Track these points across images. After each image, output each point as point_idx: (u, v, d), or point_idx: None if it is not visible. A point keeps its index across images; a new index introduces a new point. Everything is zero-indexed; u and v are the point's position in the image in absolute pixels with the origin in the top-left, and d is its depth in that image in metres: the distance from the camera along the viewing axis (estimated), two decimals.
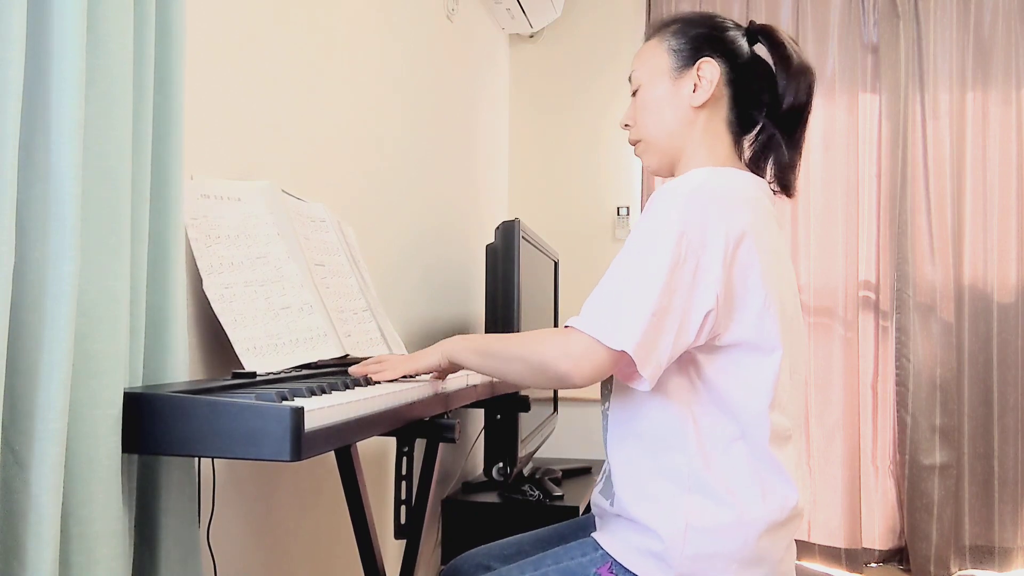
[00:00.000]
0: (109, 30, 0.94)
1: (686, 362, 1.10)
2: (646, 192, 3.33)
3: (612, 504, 1.17)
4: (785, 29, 3.39)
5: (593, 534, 1.20)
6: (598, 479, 1.26)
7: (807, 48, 3.24)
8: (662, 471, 1.12)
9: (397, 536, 1.75)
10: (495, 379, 1.52)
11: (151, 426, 0.91)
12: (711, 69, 1.21)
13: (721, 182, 1.13)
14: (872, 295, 3.21)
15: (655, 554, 1.10)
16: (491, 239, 2.12)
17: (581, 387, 1.11)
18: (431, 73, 2.52)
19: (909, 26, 3.15)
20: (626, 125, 1.31)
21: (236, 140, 1.45)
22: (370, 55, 2.04)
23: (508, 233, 2.08)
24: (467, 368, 1.22)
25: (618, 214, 3.37)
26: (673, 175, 1.28)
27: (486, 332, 2.10)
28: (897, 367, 3.15)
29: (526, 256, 2.18)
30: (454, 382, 1.39)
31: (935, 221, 3.12)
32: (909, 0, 3.15)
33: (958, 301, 3.10)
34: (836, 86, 3.21)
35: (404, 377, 1.25)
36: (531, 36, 3.49)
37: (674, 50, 1.24)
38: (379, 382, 1.21)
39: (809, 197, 3.23)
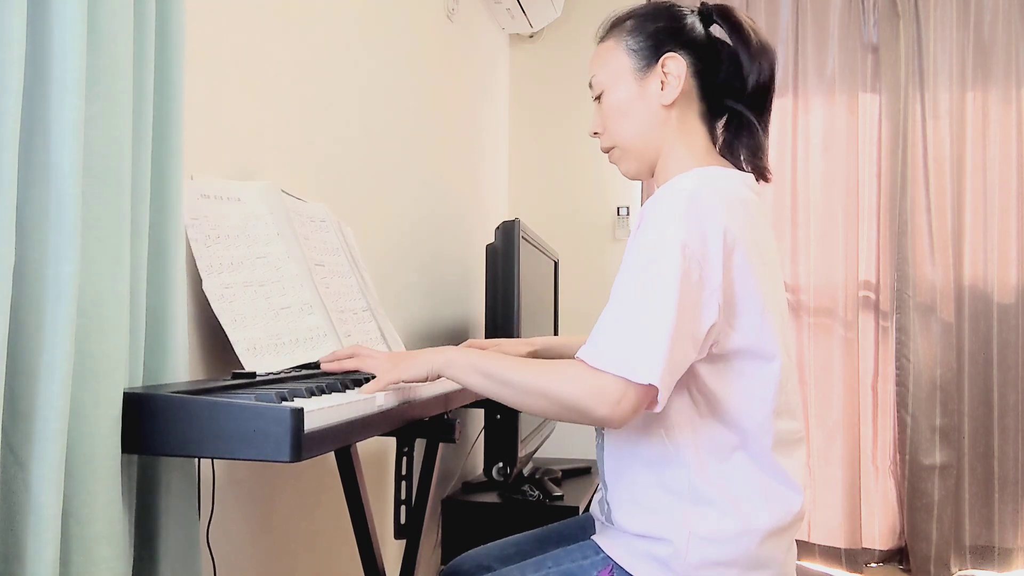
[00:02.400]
0: (109, 30, 0.94)
1: (686, 374, 1.07)
2: (646, 192, 3.33)
3: (609, 521, 1.16)
4: (785, 30, 3.39)
5: (594, 537, 1.19)
6: (599, 485, 1.24)
7: (807, 48, 3.24)
8: (661, 484, 1.10)
9: (397, 536, 1.75)
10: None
11: (151, 426, 0.91)
12: (676, 64, 1.17)
13: (712, 184, 1.10)
14: (872, 295, 3.20)
15: (658, 560, 1.09)
16: (491, 239, 2.12)
17: (618, 427, 1.09)
18: (431, 73, 2.52)
19: (909, 26, 3.15)
20: (595, 133, 1.27)
21: (236, 140, 1.45)
22: (370, 55, 2.04)
23: (508, 233, 2.08)
24: (463, 385, 1.13)
25: (618, 214, 3.37)
26: (653, 177, 1.25)
27: (487, 333, 2.09)
28: (897, 367, 3.14)
29: (526, 256, 2.17)
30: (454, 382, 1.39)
31: (935, 221, 3.12)
32: (909, 0, 3.15)
33: (958, 301, 3.10)
34: (836, 86, 3.21)
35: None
36: (531, 36, 3.49)
37: (633, 50, 1.20)
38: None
39: (809, 197, 3.23)
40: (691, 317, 1.01)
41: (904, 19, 3.15)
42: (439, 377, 1.13)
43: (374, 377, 1.13)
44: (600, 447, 1.20)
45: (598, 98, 1.25)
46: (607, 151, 1.27)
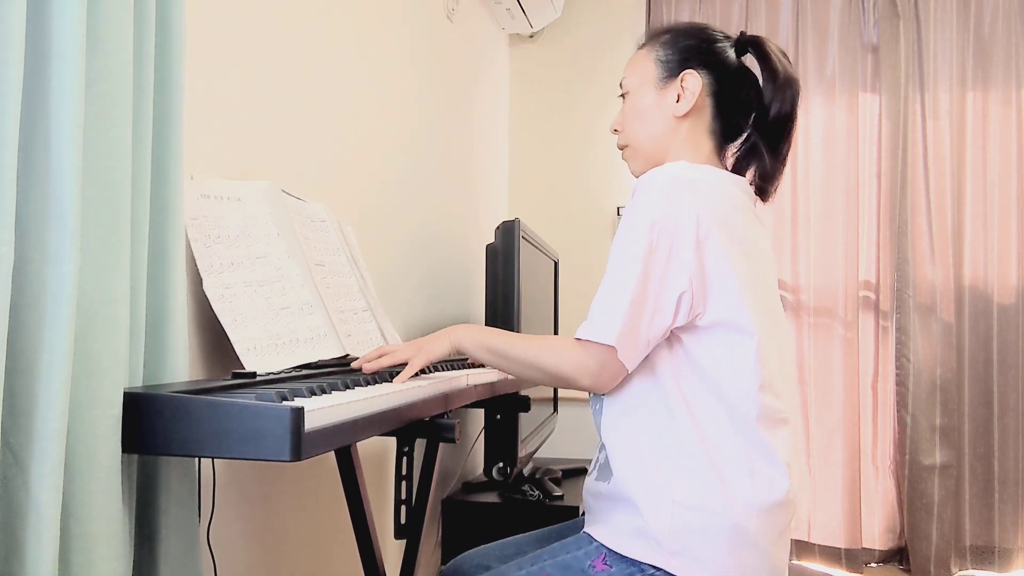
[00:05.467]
0: (109, 30, 0.94)
1: (673, 342, 1.16)
2: None
3: (610, 483, 1.19)
4: (785, 30, 3.39)
5: (585, 529, 1.22)
6: (590, 469, 1.28)
7: (807, 48, 3.24)
8: (654, 447, 1.15)
9: (397, 536, 1.75)
10: (505, 374, 1.53)
11: (151, 426, 0.91)
12: (693, 81, 1.27)
13: (696, 174, 1.19)
14: (872, 295, 3.21)
15: (644, 534, 1.12)
16: (491, 239, 2.12)
17: (605, 392, 1.19)
18: (431, 73, 2.52)
19: (909, 26, 3.15)
20: (615, 130, 1.36)
21: (236, 140, 1.45)
22: (370, 55, 2.04)
23: (508, 233, 2.08)
24: (476, 360, 1.27)
25: (618, 214, 3.37)
26: None
27: None
28: (897, 367, 3.15)
29: (526, 256, 2.17)
30: (454, 382, 1.39)
31: (935, 221, 3.12)
32: (909, 0, 3.15)
33: (958, 301, 3.10)
34: (836, 86, 3.21)
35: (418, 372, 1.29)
36: (531, 36, 3.49)
37: (661, 61, 1.30)
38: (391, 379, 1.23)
39: (809, 197, 3.23)
40: (657, 285, 1.12)
41: (904, 19, 3.15)
42: (460, 353, 1.27)
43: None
44: (598, 412, 1.24)
45: (624, 97, 1.35)
46: (621, 148, 1.36)
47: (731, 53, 1.30)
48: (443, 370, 1.45)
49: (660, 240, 1.11)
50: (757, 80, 1.28)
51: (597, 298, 1.15)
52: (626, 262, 1.12)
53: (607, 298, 1.13)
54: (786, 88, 1.25)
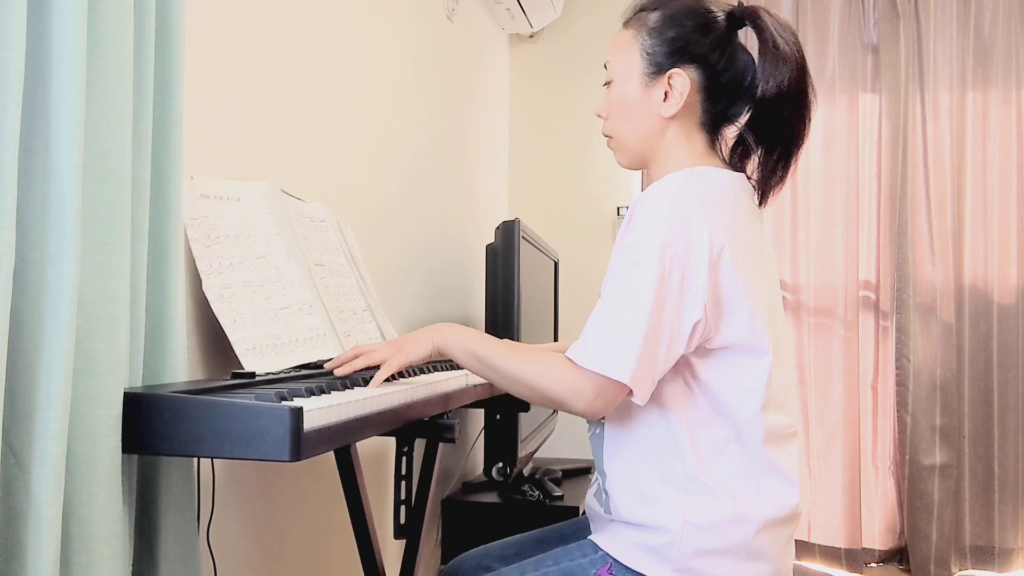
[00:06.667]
0: (109, 30, 0.94)
1: (681, 366, 1.10)
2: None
3: (608, 511, 1.17)
4: None
5: (591, 536, 1.20)
6: (592, 479, 1.26)
7: (807, 48, 3.24)
8: (659, 474, 1.12)
9: (397, 536, 1.75)
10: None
11: (151, 426, 0.91)
12: (682, 81, 1.17)
13: (700, 185, 1.11)
14: (872, 295, 3.20)
15: (653, 549, 1.10)
16: (491, 239, 2.12)
17: (598, 418, 1.14)
18: (431, 73, 2.52)
19: (909, 26, 3.15)
20: (600, 116, 1.27)
21: (236, 140, 1.45)
22: (370, 55, 2.04)
23: (508, 233, 2.08)
24: (459, 363, 1.19)
25: (618, 214, 3.37)
26: (647, 169, 1.25)
27: (486, 332, 2.10)
28: (897, 367, 3.14)
29: (526, 256, 2.17)
30: (454, 382, 1.39)
31: (935, 221, 3.12)
32: (909, 0, 3.15)
33: (958, 301, 3.10)
34: (836, 86, 3.21)
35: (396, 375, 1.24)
36: (531, 36, 3.49)
37: (648, 52, 1.18)
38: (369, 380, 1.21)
39: (809, 197, 3.23)
40: (672, 314, 1.04)
41: (904, 19, 3.15)
42: (441, 354, 1.19)
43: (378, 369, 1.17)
44: (598, 436, 1.21)
45: (608, 83, 1.25)
46: (607, 137, 1.27)
47: (725, 32, 1.19)
48: (427, 372, 1.42)
49: (673, 266, 1.04)
50: (754, 61, 1.18)
51: (601, 322, 1.06)
52: (636, 288, 1.04)
53: (616, 327, 1.04)
54: (780, 65, 1.13)
